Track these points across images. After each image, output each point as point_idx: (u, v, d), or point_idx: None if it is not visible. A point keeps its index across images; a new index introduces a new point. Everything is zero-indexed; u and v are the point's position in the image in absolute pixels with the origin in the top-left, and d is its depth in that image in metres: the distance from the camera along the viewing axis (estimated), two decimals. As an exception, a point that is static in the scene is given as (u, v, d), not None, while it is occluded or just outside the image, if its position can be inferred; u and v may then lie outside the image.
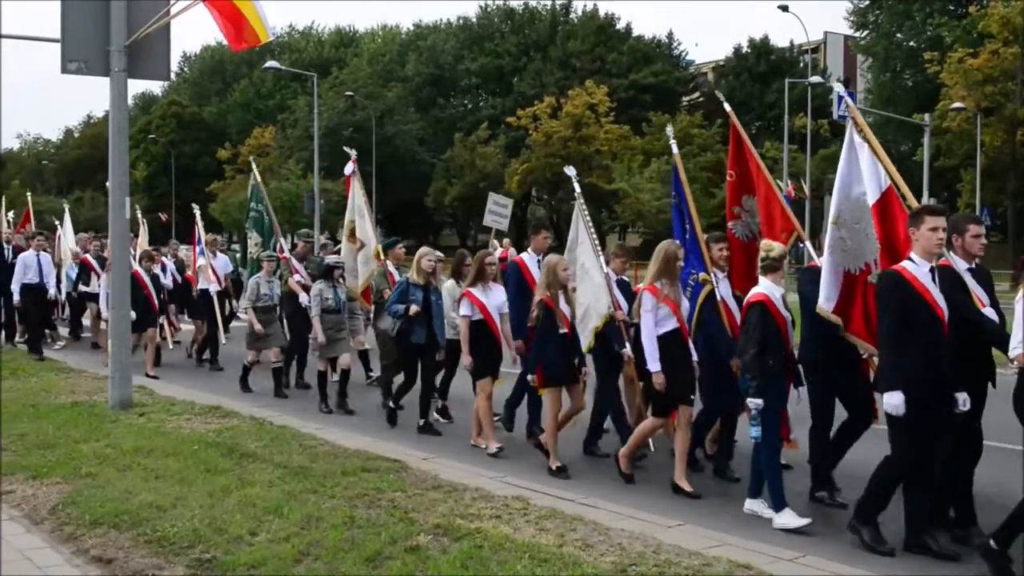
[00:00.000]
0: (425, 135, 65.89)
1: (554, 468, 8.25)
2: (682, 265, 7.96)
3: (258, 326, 12.12)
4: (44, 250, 16.33)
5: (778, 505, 6.86)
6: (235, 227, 64.07)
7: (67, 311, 18.91)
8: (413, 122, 64.96)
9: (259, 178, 15.50)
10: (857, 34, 56.81)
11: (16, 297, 15.57)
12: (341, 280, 11.62)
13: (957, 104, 41.22)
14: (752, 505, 7.15)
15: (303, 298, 12.52)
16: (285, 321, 13.13)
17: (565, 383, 8.39)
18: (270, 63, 49.06)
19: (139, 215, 18.51)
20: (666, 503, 7.34)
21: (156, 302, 14.00)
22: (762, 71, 59.60)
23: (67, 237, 19.65)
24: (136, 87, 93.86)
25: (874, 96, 53.82)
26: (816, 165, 45.90)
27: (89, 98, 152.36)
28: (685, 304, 7.94)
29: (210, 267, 15.17)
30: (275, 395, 12.12)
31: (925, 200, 39.82)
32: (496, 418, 9.70)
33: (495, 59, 68.32)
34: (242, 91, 79.82)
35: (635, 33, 66.14)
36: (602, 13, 66.04)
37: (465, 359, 9.14)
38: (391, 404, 10.45)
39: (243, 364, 12.77)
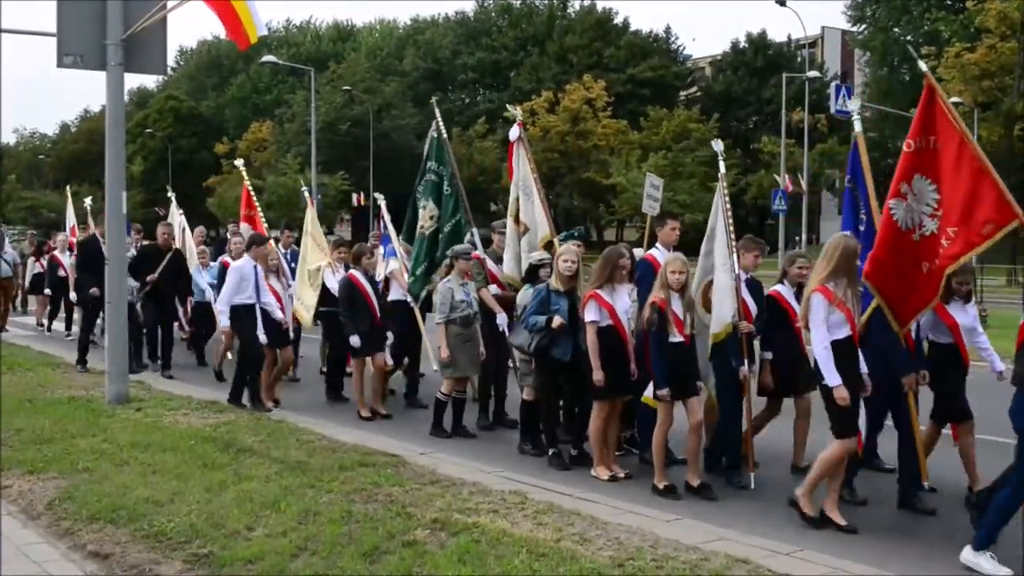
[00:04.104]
0: (423, 130, 65.60)
1: (661, 487, 7.44)
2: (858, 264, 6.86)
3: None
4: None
5: (985, 544, 5.87)
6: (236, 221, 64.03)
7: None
8: (411, 116, 64.90)
9: (443, 130, 11.43)
10: (854, 29, 56.83)
11: (224, 323, 10.84)
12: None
13: (954, 99, 41.22)
14: (974, 557, 5.87)
15: (501, 319, 9.81)
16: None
17: (676, 396, 7.40)
18: (267, 57, 49.22)
19: (308, 195, 13.63)
20: (664, 498, 7.30)
21: (379, 315, 10.55)
22: (759, 66, 59.58)
23: (177, 228, 15.22)
24: (132, 82, 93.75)
25: (871, 91, 53.83)
26: (813, 160, 45.89)
27: (86, 93, 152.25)
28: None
29: (405, 271, 11.37)
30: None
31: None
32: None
33: (492, 54, 68.33)
34: (239, 86, 79.71)
35: (632, 28, 66.31)
36: (599, 8, 66.22)
37: (597, 373, 7.72)
38: (558, 449, 8.50)
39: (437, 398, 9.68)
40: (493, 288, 10.04)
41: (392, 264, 11.52)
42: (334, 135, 59.33)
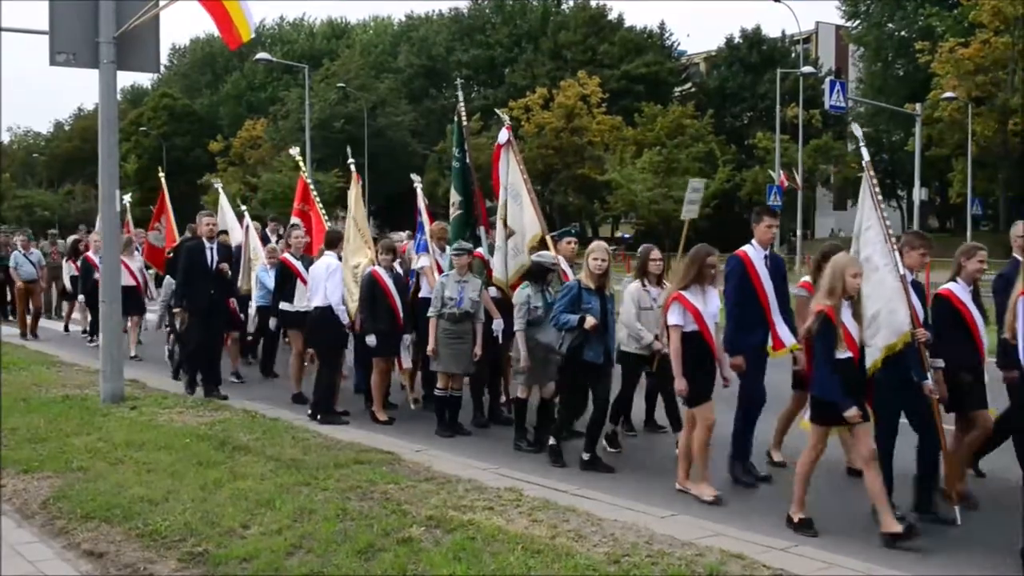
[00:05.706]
0: (417, 127, 65.78)
1: (796, 520, 6.46)
2: None
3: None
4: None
5: None
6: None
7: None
8: (405, 113, 64.86)
9: (463, 113, 10.86)
10: (849, 24, 56.87)
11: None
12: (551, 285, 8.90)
13: (948, 94, 41.34)
14: None
15: (497, 323, 9.73)
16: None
17: (837, 422, 6.30)
18: (261, 55, 49.08)
19: (354, 169, 11.57)
20: (660, 494, 7.30)
21: (402, 316, 10.05)
22: (754, 62, 59.58)
23: (231, 225, 13.69)
24: (126, 80, 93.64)
25: (866, 86, 53.89)
26: (808, 155, 45.91)
27: (80, 91, 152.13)
28: None
29: (436, 267, 10.53)
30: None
31: (916, 190, 40.08)
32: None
33: (487, 50, 68.30)
34: (234, 83, 79.61)
35: (626, 24, 66.15)
36: (593, 4, 66.10)
37: (679, 382, 7.22)
38: (555, 439, 8.40)
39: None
40: (492, 291, 9.89)
41: (423, 260, 10.65)
42: (328, 132, 59.26)
